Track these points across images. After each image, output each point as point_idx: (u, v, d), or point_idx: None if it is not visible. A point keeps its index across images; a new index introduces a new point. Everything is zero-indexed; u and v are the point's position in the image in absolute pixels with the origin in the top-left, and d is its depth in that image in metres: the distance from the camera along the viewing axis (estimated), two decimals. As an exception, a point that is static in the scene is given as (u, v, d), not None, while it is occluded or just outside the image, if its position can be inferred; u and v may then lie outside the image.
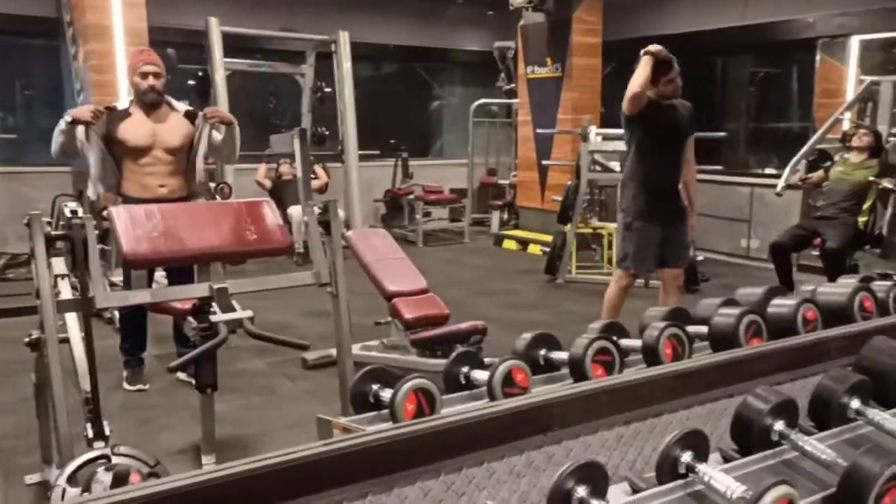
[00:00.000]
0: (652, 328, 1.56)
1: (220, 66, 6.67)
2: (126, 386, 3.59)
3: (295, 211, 6.58)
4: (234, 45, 7.16)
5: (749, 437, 1.16)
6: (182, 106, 3.63)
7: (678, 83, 3.74)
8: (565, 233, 6.41)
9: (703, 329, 1.63)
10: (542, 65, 8.19)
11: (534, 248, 7.88)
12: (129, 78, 3.52)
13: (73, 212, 2.24)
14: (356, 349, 3.76)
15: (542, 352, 1.60)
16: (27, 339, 2.29)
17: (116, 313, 4.66)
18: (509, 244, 8.28)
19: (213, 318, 2.36)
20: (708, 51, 8.39)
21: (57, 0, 6.83)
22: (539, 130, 8.06)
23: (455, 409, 1.37)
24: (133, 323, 3.63)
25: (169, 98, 3.61)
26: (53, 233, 2.25)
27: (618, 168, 6.40)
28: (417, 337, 3.60)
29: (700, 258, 6.46)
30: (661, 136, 3.70)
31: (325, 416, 1.43)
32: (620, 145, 6.32)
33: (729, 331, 1.55)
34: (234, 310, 2.40)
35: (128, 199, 3.37)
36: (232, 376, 3.84)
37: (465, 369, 1.51)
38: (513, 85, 9.26)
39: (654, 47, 3.63)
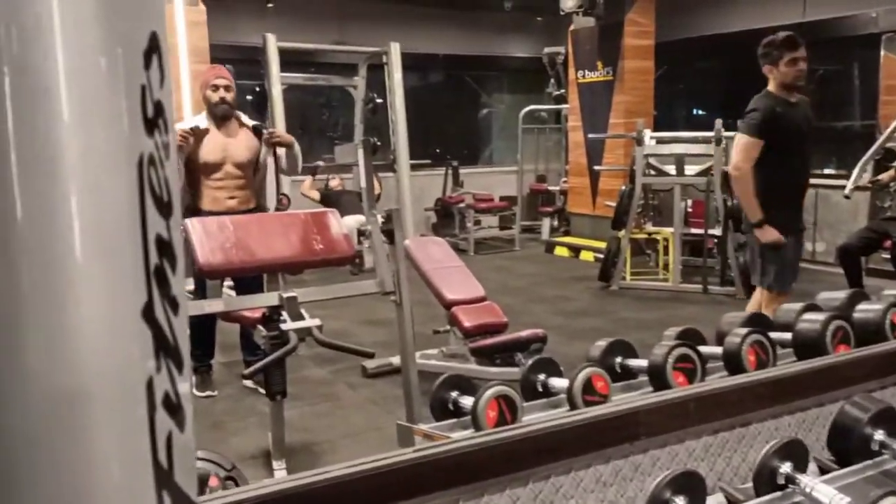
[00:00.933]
0: (733, 335, 1.53)
1: (277, 81, 6.81)
2: (195, 392, 3.65)
3: (349, 221, 6.66)
4: (289, 60, 7.32)
5: (848, 446, 1.13)
6: (250, 121, 3.72)
7: (803, 68, 3.26)
8: (619, 238, 6.32)
9: (785, 336, 1.59)
10: (592, 69, 8.13)
11: (586, 255, 7.80)
12: (202, 92, 3.61)
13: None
14: (415, 358, 3.78)
15: (619, 359, 1.58)
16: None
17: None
18: (561, 251, 8.22)
19: (283, 326, 2.41)
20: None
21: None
22: (590, 135, 7.99)
23: (536, 417, 1.36)
24: (203, 331, 3.70)
25: (238, 113, 3.70)
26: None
27: (673, 171, 6.29)
28: (477, 345, 3.59)
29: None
30: (790, 141, 3.31)
31: (393, 422, 1.45)
32: (676, 148, 6.25)
33: (815, 337, 1.51)
34: (303, 318, 2.45)
35: (199, 213, 3.45)
36: (296, 384, 3.91)
37: (542, 377, 1.51)
38: (562, 90, 9.20)
39: None
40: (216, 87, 3.54)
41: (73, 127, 0.42)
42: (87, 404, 0.42)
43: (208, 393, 3.68)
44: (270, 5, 8.55)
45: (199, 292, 3.29)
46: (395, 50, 7.47)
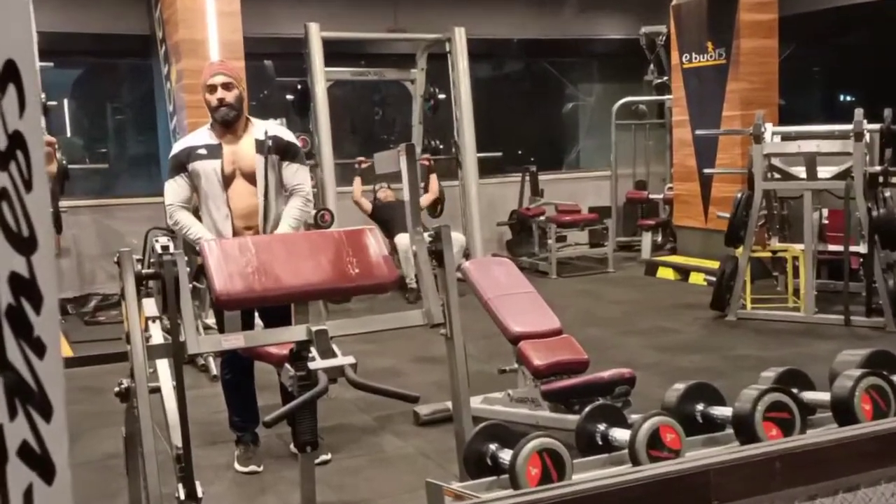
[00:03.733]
0: (844, 377, 1.48)
1: (321, 76, 7.03)
2: (237, 467, 3.59)
3: (403, 239, 6.75)
4: (335, 52, 7.54)
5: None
6: (261, 128, 3.56)
7: None
8: (736, 257, 6.16)
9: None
10: (701, 51, 8.00)
11: (695, 278, 7.63)
12: (203, 97, 3.52)
13: (164, 247, 2.44)
14: (476, 402, 3.78)
15: (700, 406, 1.56)
16: (117, 389, 2.50)
17: (212, 362, 4.97)
18: (664, 273, 8.07)
19: (311, 364, 2.47)
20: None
21: (150, 16, 7.50)
22: (699, 132, 7.85)
23: (589, 476, 1.36)
24: (239, 390, 3.65)
25: (250, 117, 3.63)
26: (144, 271, 2.45)
27: (803, 174, 6.09)
28: (550, 388, 3.57)
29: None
30: None
31: (437, 480, 1.47)
32: (806, 146, 6.05)
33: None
34: (334, 355, 2.50)
35: None
36: (335, 432, 3.98)
37: (602, 427, 1.51)
38: (665, 78, 9.09)
39: None
40: (212, 88, 3.45)
41: None
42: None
43: (252, 468, 3.56)
44: (314, -11, 8.85)
45: (221, 326, 3.36)
46: (461, 36, 7.60)
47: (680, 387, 1.59)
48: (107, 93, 9.07)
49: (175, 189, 3.48)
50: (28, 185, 0.50)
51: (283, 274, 2.59)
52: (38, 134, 0.51)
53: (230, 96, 3.45)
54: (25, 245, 0.49)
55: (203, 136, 3.54)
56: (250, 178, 3.49)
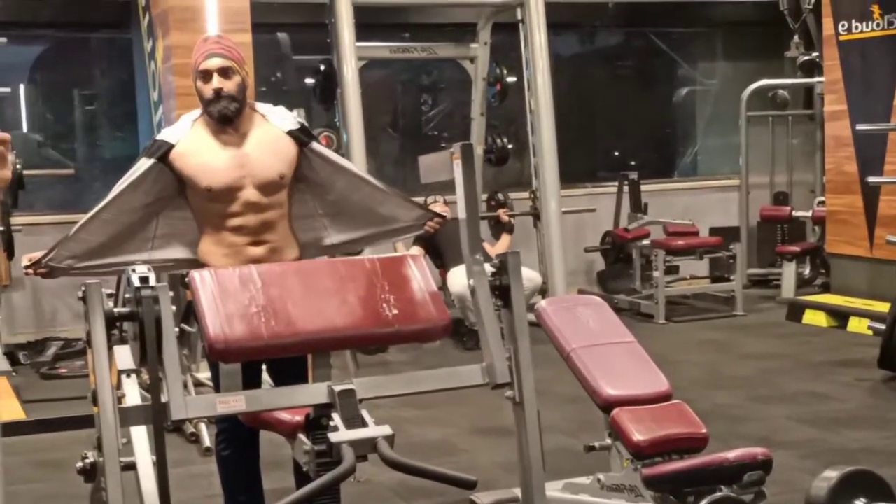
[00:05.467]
0: None
1: (352, 54, 7.14)
2: None
3: (458, 277, 6.76)
4: (371, 23, 7.65)
5: None
6: (282, 115, 3.61)
7: None
8: (914, 298, 6.05)
9: None
10: (864, 17, 7.91)
11: (857, 325, 7.51)
12: (194, 84, 3.50)
13: (143, 279, 2.49)
14: (555, 490, 3.76)
15: (861, 502, 1.54)
16: (80, 465, 2.55)
17: (204, 430, 5.03)
18: (814, 317, 7.97)
19: (333, 436, 2.48)
20: None
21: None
22: (862, 127, 7.74)
23: None
24: (239, 468, 3.64)
25: (257, 104, 3.63)
26: (117, 310, 2.50)
27: None
28: (654, 472, 3.53)
29: None
30: None
31: None
32: None
33: None
34: (365, 424, 2.51)
35: None
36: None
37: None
38: (814, 54, 9.00)
39: None
40: (207, 75, 3.43)
41: None
42: None
43: None
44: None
45: (216, 382, 3.39)
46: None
47: (832, 475, 1.57)
48: (74, 76, 9.28)
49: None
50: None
51: (297, 315, 2.62)
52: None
53: (230, 85, 3.42)
54: None
55: (182, 131, 3.52)
56: (267, 188, 3.47)
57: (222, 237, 3.48)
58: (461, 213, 2.89)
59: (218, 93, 3.40)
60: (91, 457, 2.57)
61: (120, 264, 3.46)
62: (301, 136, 3.55)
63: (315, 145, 3.58)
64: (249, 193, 3.44)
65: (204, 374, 5.60)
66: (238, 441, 3.59)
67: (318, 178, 3.61)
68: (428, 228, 3.75)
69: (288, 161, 3.50)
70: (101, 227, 3.47)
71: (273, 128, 3.53)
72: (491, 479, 4.21)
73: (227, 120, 3.45)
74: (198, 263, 3.46)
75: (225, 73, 3.42)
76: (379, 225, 3.74)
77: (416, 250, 7.26)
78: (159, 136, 3.55)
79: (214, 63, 3.42)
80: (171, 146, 3.43)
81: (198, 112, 3.53)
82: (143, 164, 3.44)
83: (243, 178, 3.44)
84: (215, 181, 3.41)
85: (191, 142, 3.46)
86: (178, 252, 3.61)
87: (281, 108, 3.67)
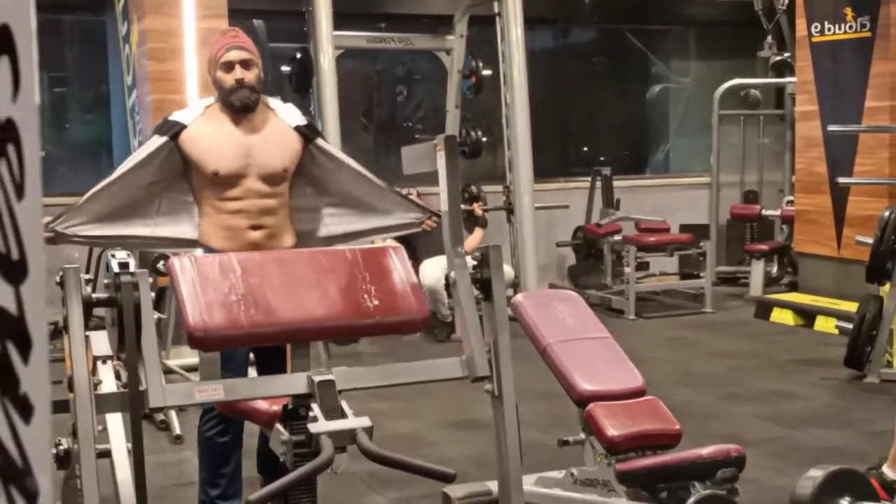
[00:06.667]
0: None
1: (328, 43, 7.10)
2: None
3: (431, 269, 6.75)
4: (347, 12, 7.61)
5: None
6: (291, 111, 3.76)
7: None
8: (881, 298, 6.10)
9: None
10: (837, 19, 7.96)
11: (824, 324, 7.57)
12: (210, 73, 3.68)
13: (123, 265, 2.46)
14: (528, 483, 3.75)
15: (846, 501, 1.54)
16: (54, 451, 2.52)
17: (174, 417, 5.00)
18: (781, 316, 8.02)
19: (311, 427, 2.47)
20: None
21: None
22: (833, 128, 7.79)
23: None
24: (225, 450, 3.63)
25: (270, 99, 3.76)
26: (95, 295, 2.48)
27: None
28: (628, 467, 3.54)
29: None
30: None
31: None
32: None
33: None
34: (344, 415, 2.50)
35: (208, 252, 3.53)
36: (338, 518, 3.98)
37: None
38: (786, 55, 9.05)
39: None
40: (229, 65, 3.58)
41: None
42: None
43: None
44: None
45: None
46: (513, -7, 7.64)
47: (817, 474, 1.57)
48: (44, 59, 9.02)
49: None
50: (20, 192, 0.50)
51: (278, 304, 2.61)
52: (34, 122, 0.51)
53: (251, 76, 3.58)
54: (14, 271, 0.49)
55: (195, 114, 3.64)
56: (270, 179, 3.59)
57: (222, 220, 3.57)
58: (443, 205, 2.90)
59: (240, 83, 3.55)
60: (64, 443, 2.54)
61: (122, 237, 3.58)
62: (307, 133, 3.70)
63: (320, 142, 3.74)
64: (253, 182, 3.57)
65: (174, 362, 5.57)
66: (225, 421, 3.60)
67: (321, 172, 3.74)
68: (425, 227, 3.83)
69: (292, 155, 3.64)
70: (108, 200, 3.56)
71: (281, 122, 3.68)
72: (462, 471, 4.19)
73: (246, 109, 3.59)
74: (197, 244, 3.60)
75: (246, 64, 3.58)
76: (376, 221, 3.85)
77: (391, 242, 7.25)
78: (171, 117, 3.66)
79: (236, 55, 3.59)
80: (184, 127, 3.55)
81: (212, 99, 3.68)
82: (155, 141, 3.55)
83: (248, 167, 3.56)
84: (222, 166, 3.53)
85: (202, 126, 3.58)
86: (178, 231, 3.70)
87: (290, 105, 3.84)
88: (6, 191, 0.50)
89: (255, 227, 3.56)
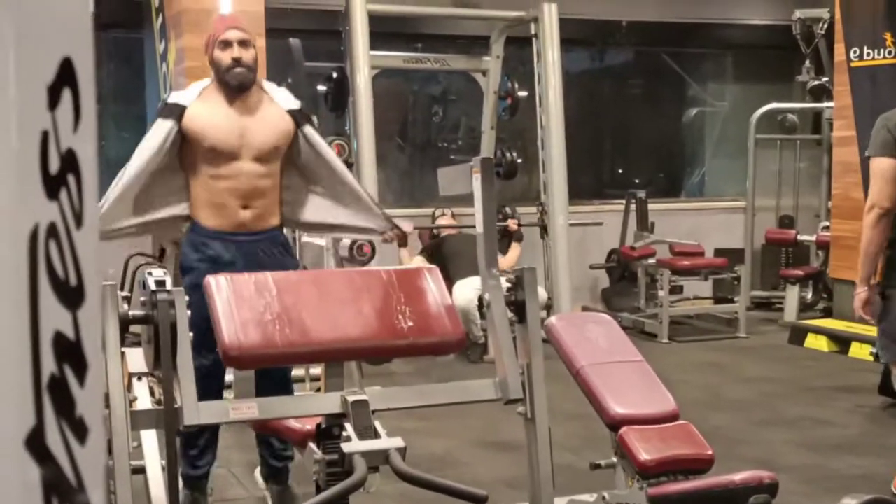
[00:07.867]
0: None
1: (365, 62, 7.14)
2: None
3: (463, 291, 6.72)
4: (384, 31, 7.65)
5: None
6: (284, 95, 3.84)
7: None
8: (918, 326, 6.04)
9: None
10: (876, 45, 7.92)
11: (859, 350, 7.50)
12: (207, 54, 3.72)
13: (160, 283, 2.49)
14: (558, 507, 3.74)
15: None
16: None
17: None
18: (815, 342, 7.95)
19: (345, 446, 2.47)
20: None
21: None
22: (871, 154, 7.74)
23: None
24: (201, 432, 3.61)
25: (265, 82, 3.85)
26: (132, 313, 2.50)
27: None
28: (660, 492, 3.51)
29: None
30: None
31: None
32: None
33: None
34: (377, 435, 2.50)
35: (198, 230, 3.65)
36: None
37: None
38: (824, 79, 9.00)
39: None
40: (226, 44, 3.63)
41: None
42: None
43: None
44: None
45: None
46: (551, 14, 7.64)
47: (851, 503, 1.55)
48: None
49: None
50: (79, 220, 0.51)
51: (312, 324, 2.62)
52: (93, 153, 0.53)
53: (248, 56, 3.63)
54: (73, 297, 0.50)
55: (193, 95, 3.71)
56: (262, 159, 3.67)
57: (214, 197, 3.66)
58: (479, 227, 2.90)
59: (237, 61, 3.60)
60: (100, 459, 2.56)
61: (125, 228, 3.68)
62: (298, 118, 3.79)
63: (308, 129, 3.81)
64: (245, 162, 3.65)
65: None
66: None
67: (305, 160, 3.83)
68: (386, 238, 3.95)
69: (285, 136, 3.74)
70: (130, 194, 3.64)
71: (275, 105, 3.76)
72: (493, 493, 4.17)
73: (242, 88, 3.66)
74: (189, 219, 3.69)
75: (244, 44, 3.64)
76: (346, 219, 3.94)
77: (420, 261, 7.27)
78: (171, 99, 3.76)
79: (234, 34, 3.65)
80: (185, 107, 3.64)
81: (207, 81, 3.76)
82: (164, 125, 3.62)
83: (242, 147, 3.64)
84: (218, 143, 3.61)
85: (200, 106, 3.66)
86: (171, 210, 3.77)
87: (284, 89, 3.93)
88: (66, 219, 0.52)
89: (244, 207, 3.66)
